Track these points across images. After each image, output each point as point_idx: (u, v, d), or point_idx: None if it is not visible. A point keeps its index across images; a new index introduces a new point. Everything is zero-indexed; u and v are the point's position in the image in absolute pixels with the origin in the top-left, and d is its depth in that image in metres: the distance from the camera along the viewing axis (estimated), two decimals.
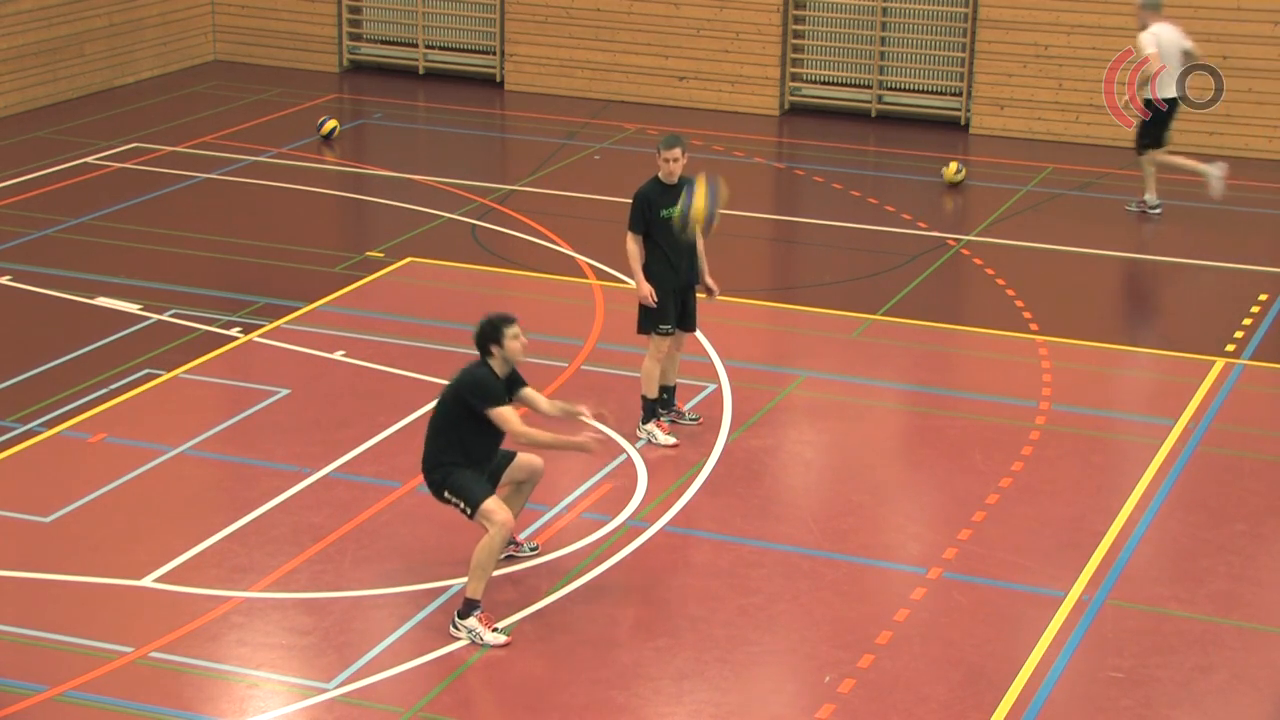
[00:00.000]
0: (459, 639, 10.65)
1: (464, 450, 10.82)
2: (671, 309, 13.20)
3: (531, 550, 11.63)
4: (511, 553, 11.55)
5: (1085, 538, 12.06)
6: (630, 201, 13.12)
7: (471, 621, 10.64)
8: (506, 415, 10.75)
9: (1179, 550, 12.05)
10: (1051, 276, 17.30)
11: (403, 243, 17.55)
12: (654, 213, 13.02)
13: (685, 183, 13.13)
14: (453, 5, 24.49)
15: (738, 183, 20.11)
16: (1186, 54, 18.65)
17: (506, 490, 11.17)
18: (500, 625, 10.73)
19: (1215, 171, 18.67)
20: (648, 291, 13.11)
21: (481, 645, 10.60)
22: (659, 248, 13.09)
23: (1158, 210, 19.05)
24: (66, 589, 11.23)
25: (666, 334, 13.21)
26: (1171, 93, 18.62)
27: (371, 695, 10.16)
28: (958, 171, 19.91)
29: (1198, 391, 14.47)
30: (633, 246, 13.12)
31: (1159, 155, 18.92)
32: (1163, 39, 18.47)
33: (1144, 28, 18.63)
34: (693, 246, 13.21)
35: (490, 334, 10.85)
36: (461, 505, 10.77)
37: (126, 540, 11.78)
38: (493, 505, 10.72)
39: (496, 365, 10.89)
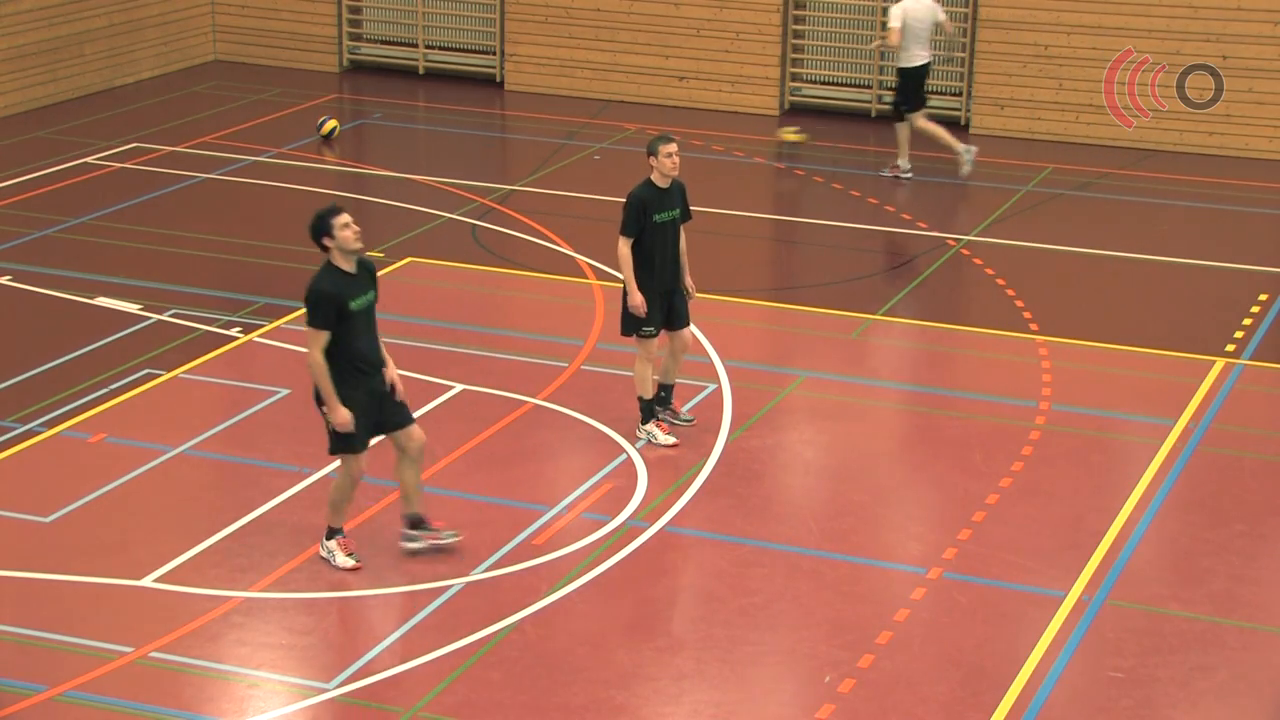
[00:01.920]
0: (324, 557, 11.47)
1: (342, 369, 11.08)
2: (657, 312, 13.20)
3: (452, 537, 11.67)
4: (432, 540, 11.61)
5: (1085, 538, 12.06)
6: (623, 204, 13.10)
7: (332, 544, 11.47)
8: (314, 338, 11.06)
9: (1179, 550, 12.05)
10: (1051, 276, 17.30)
11: (403, 243, 17.56)
12: (649, 218, 13.01)
13: (677, 185, 13.15)
14: (453, 5, 24.50)
15: (738, 183, 20.20)
16: (937, 26, 19.99)
17: (395, 455, 11.53)
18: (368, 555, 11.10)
19: (967, 155, 20.03)
20: (640, 300, 13.09)
21: (334, 566, 11.41)
22: (649, 252, 13.07)
23: (909, 175, 20.20)
24: (66, 589, 11.23)
25: (650, 336, 13.20)
26: (922, 60, 19.87)
27: (371, 695, 10.16)
28: (797, 133, 21.07)
29: (1198, 391, 14.47)
30: (625, 251, 13.06)
31: (918, 121, 19.99)
32: (911, 14, 19.67)
33: (895, 1, 19.99)
34: (676, 249, 13.22)
35: (320, 227, 11.13)
36: (330, 438, 11.26)
37: (126, 540, 11.78)
38: (350, 457, 11.26)
39: (337, 260, 11.12)
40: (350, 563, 11.41)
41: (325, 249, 11.11)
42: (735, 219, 18.78)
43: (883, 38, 20.28)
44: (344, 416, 11.05)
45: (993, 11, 21.79)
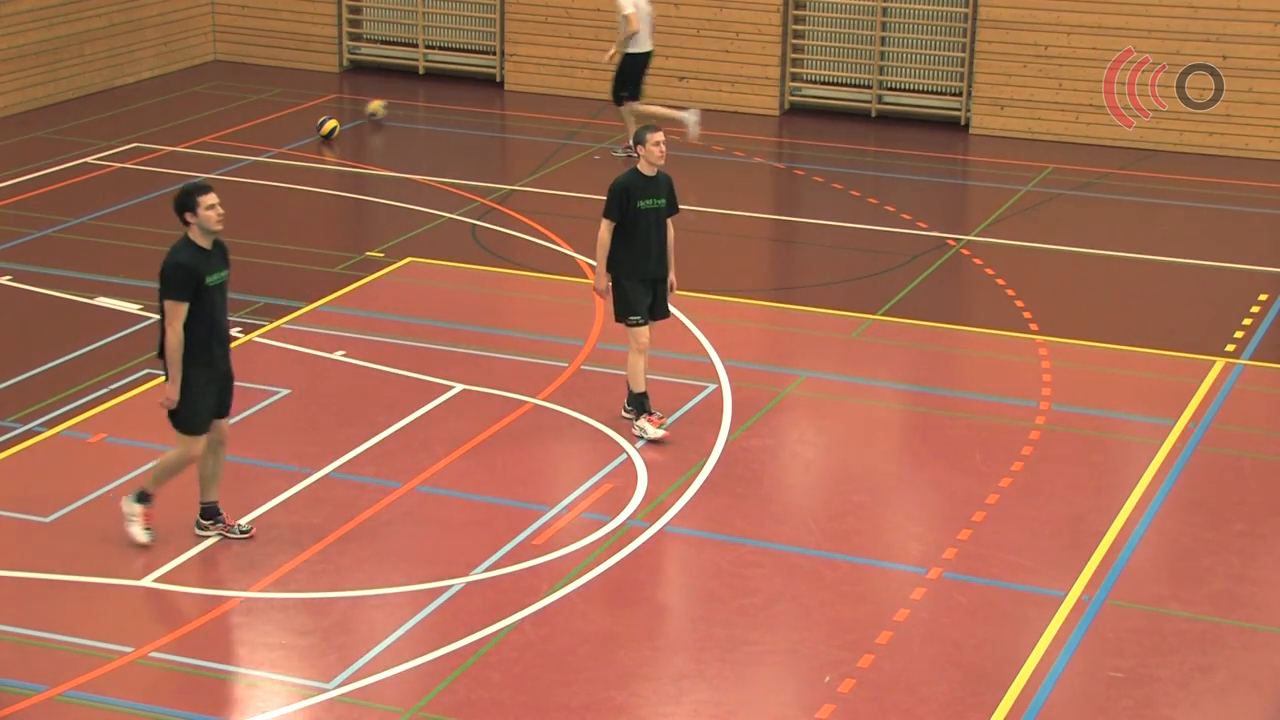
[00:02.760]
0: (125, 513, 11.59)
1: (196, 347, 11.22)
2: (643, 299, 13.25)
3: (243, 534, 11.75)
4: (222, 531, 11.75)
5: (1085, 538, 12.06)
6: (608, 190, 13.18)
7: (138, 507, 11.56)
8: (174, 311, 11.19)
9: (1179, 550, 12.05)
10: (1051, 276, 17.30)
11: (403, 243, 17.55)
12: (632, 204, 13.09)
13: (664, 177, 13.22)
14: (453, 5, 24.50)
15: (738, 183, 20.20)
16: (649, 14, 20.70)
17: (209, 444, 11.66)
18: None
19: (690, 118, 20.51)
20: (605, 285, 13.24)
21: (127, 530, 11.53)
22: (633, 239, 13.15)
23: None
24: (66, 589, 11.23)
25: (637, 324, 13.25)
26: (646, 47, 20.50)
27: (371, 695, 10.16)
28: (382, 107, 22.08)
29: (1198, 391, 14.46)
30: (605, 236, 13.18)
31: (637, 105, 20.62)
32: (640, 2, 20.46)
33: None
34: (663, 239, 13.28)
35: (184, 202, 11.30)
36: (176, 414, 11.37)
37: (126, 540, 11.77)
38: (196, 439, 11.40)
39: (195, 236, 11.31)
40: (145, 538, 11.53)
41: (186, 224, 11.29)
42: (735, 219, 18.78)
43: (622, 32, 20.51)
44: (175, 395, 11.31)
45: (993, 11, 21.79)
